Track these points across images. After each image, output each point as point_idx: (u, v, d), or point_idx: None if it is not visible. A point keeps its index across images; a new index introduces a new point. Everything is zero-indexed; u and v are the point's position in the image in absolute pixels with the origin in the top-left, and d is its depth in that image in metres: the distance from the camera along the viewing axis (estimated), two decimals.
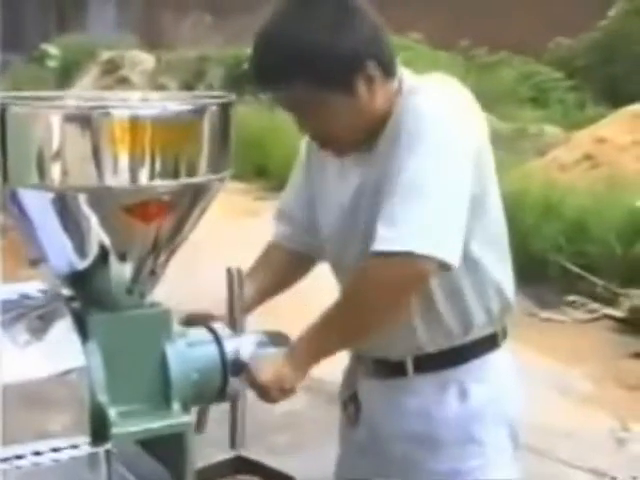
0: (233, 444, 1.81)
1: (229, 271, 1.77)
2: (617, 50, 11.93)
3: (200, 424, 1.82)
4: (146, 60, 16.25)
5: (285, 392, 1.80)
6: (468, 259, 1.81)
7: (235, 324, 1.76)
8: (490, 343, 1.96)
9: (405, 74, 1.88)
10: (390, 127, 1.82)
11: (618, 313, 5.91)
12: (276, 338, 1.85)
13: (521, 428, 2.02)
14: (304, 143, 2.06)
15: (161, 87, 14.07)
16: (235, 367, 1.72)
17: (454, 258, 1.71)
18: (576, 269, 6.27)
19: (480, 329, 1.93)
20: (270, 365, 1.77)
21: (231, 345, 1.72)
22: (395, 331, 1.88)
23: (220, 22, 16.48)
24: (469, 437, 1.92)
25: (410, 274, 1.72)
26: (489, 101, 11.47)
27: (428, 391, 1.93)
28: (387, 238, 1.70)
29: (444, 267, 1.72)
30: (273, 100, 1.87)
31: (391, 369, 1.97)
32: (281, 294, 2.10)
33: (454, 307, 1.89)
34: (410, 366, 1.94)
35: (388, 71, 1.82)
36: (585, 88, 11.76)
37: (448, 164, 1.73)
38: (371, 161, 1.85)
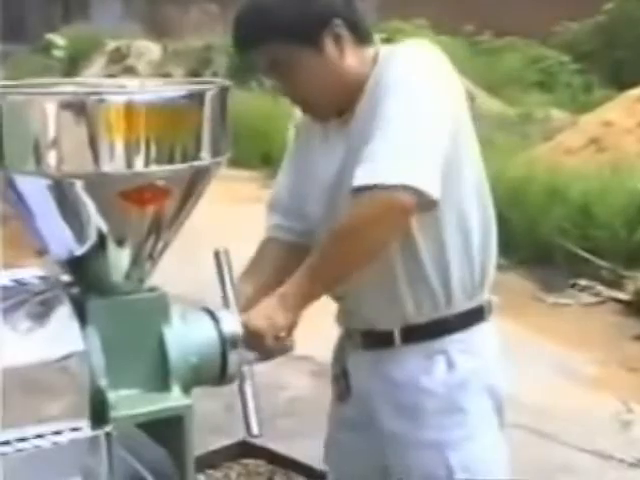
0: (249, 431, 1.79)
1: (217, 254, 1.81)
2: (622, 33, 11.89)
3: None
4: (152, 49, 16.25)
5: (280, 339, 1.83)
6: (455, 218, 1.90)
7: (229, 304, 1.78)
8: (476, 315, 2.00)
9: (383, 46, 1.97)
10: (368, 94, 1.88)
11: (624, 296, 5.92)
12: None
13: (507, 403, 2.05)
14: (291, 130, 2.14)
15: (167, 76, 14.07)
16: (234, 350, 1.73)
17: (431, 187, 1.75)
18: (582, 252, 6.27)
19: (462, 301, 1.96)
20: (261, 310, 1.81)
21: (230, 327, 1.73)
22: (383, 301, 1.94)
23: (225, 11, 16.46)
24: (454, 406, 1.96)
25: (389, 205, 1.76)
26: (495, 86, 11.47)
27: (415, 361, 1.97)
28: (362, 175, 1.76)
29: (424, 198, 1.75)
30: (254, 65, 1.96)
31: (379, 340, 2.01)
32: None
33: (439, 271, 1.93)
34: (397, 336, 1.98)
35: (358, 34, 1.93)
36: (591, 71, 11.73)
37: (422, 103, 1.81)
38: (351, 129, 1.91)
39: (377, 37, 2.01)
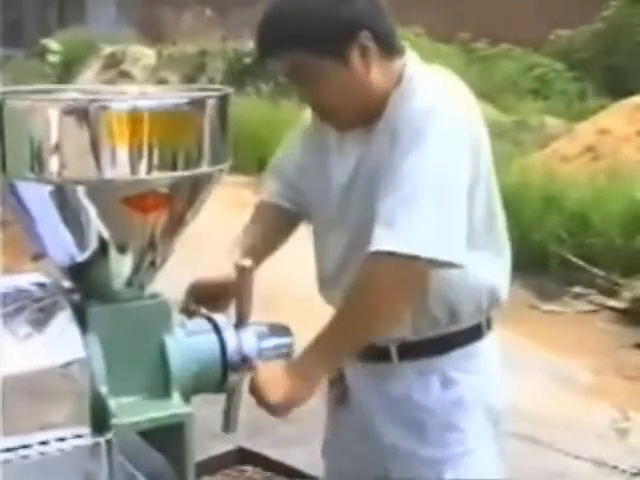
0: (226, 428, 1.81)
1: (241, 268, 1.77)
2: (618, 41, 11.91)
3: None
4: (147, 55, 16.25)
5: (297, 406, 1.80)
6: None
7: (242, 318, 1.77)
8: (475, 333, 1.98)
9: (410, 59, 1.91)
10: (390, 112, 1.84)
11: (619, 304, 5.92)
12: (277, 330, 1.86)
13: (503, 414, 2.04)
14: (308, 116, 2.08)
15: (162, 81, 14.08)
16: (235, 358, 1.73)
17: (459, 257, 1.73)
18: (577, 260, 6.28)
19: (465, 321, 1.95)
20: (279, 385, 1.76)
21: (231, 335, 1.73)
22: None
23: (220, 16, 16.48)
24: (450, 424, 1.95)
25: (414, 277, 1.75)
26: (490, 93, 11.47)
27: (411, 377, 1.96)
28: (389, 239, 1.70)
29: (447, 266, 1.74)
30: (275, 71, 1.92)
31: (376, 354, 1.98)
32: (270, 256, 2.09)
33: (442, 300, 1.90)
34: (394, 353, 1.96)
35: (386, 47, 1.85)
36: (586, 79, 11.74)
37: (448, 164, 1.75)
38: (369, 142, 1.88)
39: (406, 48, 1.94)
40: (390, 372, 1.98)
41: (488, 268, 1.93)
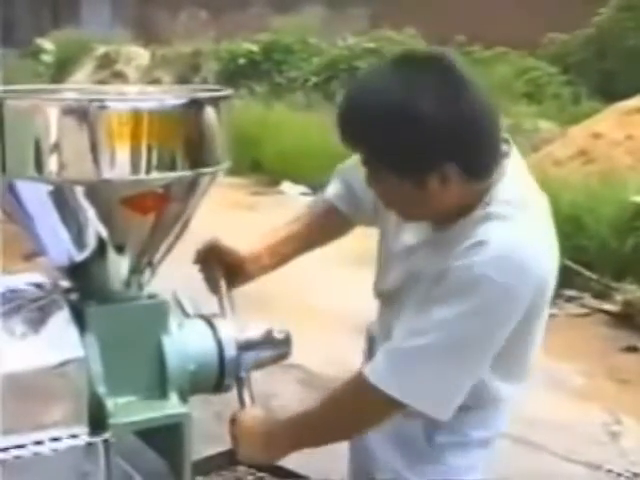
0: None
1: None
2: (611, 45, 11.94)
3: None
4: (141, 55, 16.25)
5: (256, 458, 1.90)
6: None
7: (225, 314, 1.78)
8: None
9: (508, 175, 1.71)
10: (464, 227, 1.69)
11: (612, 307, 5.93)
12: (275, 338, 1.87)
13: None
14: None
15: (156, 82, 14.08)
16: (232, 359, 1.73)
17: (442, 414, 1.70)
18: (570, 263, 6.28)
19: None
20: (254, 442, 1.82)
21: (228, 336, 1.73)
22: None
23: (214, 17, 16.48)
24: (445, 462, 1.91)
25: (391, 412, 1.73)
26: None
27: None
28: (385, 373, 1.68)
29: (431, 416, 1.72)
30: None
31: None
32: (308, 252, 2.08)
33: None
34: None
35: (473, 173, 1.65)
36: (580, 83, 11.77)
37: (476, 330, 1.65)
38: (436, 242, 1.76)
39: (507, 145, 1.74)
40: None
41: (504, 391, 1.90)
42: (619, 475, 3.86)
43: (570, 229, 6.51)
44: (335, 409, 1.77)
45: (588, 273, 6.21)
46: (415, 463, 1.91)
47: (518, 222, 1.67)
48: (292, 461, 2.08)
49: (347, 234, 2.13)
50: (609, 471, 3.88)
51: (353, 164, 1.94)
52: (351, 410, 1.74)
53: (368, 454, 1.98)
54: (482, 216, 1.67)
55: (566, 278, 6.28)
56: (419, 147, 1.59)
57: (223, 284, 1.85)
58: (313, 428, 1.81)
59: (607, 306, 5.97)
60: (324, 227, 2.08)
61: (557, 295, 6.19)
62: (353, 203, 2.03)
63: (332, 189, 2.06)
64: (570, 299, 6.15)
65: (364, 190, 1.86)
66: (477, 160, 1.66)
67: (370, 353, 1.97)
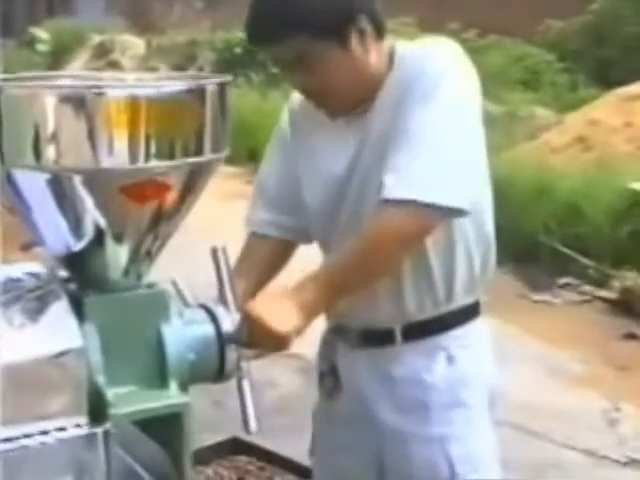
0: (246, 428, 1.76)
1: (214, 251, 1.76)
2: (608, 32, 11.93)
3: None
4: (136, 44, 16.21)
5: (298, 335, 1.76)
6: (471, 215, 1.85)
7: (227, 302, 1.76)
8: (473, 310, 2.02)
9: (398, 41, 1.94)
10: (390, 89, 1.86)
11: (609, 294, 5.93)
12: None
13: (497, 397, 2.07)
14: (285, 115, 2.10)
15: (152, 71, 14.04)
16: (232, 347, 1.72)
17: (462, 202, 1.75)
18: (567, 251, 6.29)
19: (462, 296, 1.97)
20: (282, 313, 1.73)
21: (228, 325, 1.72)
22: (385, 298, 1.93)
23: (210, 7, 16.43)
24: (457, 401, 1.97)
25: (415, 222, 1.76)
26: (480, 84, 11.47)
27: (415, 358, 1.97)
28: (392, 186, 1.74)
29: (455, 213, 1.77)
30: (269, 57, 1.93)
31: (378, 338, 1.99)
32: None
33: (444, 267, 1.93)
34: (399, 334, 1.97)
35: (379, 29, 1.88)
36: (576, 70, 11.76)
37: (460, 117, 1.79)
38: (367, 124, 1.88)
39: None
40: (393, 355, 1.99)
41: (483, 230, 1.97)
42: (617, 462, 3.87)
43: (567, 216, 6.52)
44: (371, 240, 1.78)
45: (585, 260, 6.20)
46: (433, 417, 1.96)
47: (444, 47, 1.89)
48: (295, 453, 2.09)
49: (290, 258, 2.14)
50: (608, 458, 3.89)
51: (263, 174, 2.10)
52: (390, 236, 1.76)
53: (374, 430, 2.00)
54: (401, 57, 1.87)
55: (563, 265, 6.29)
56: (337, 4, 1.81)
57: (226, 274, 1.83)
58: (352, 267, 1.80)
59: (605, 293, 5.97)
60: (273, 266, 2.08)
61: (555, 282, 6.21)
62: (285, 220, 2.06)
63: (261, 217, 2.08)
64: (568, 286, 6.16)
65: (284, 189, 2.03)
66: (379, 15, 1.88)
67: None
